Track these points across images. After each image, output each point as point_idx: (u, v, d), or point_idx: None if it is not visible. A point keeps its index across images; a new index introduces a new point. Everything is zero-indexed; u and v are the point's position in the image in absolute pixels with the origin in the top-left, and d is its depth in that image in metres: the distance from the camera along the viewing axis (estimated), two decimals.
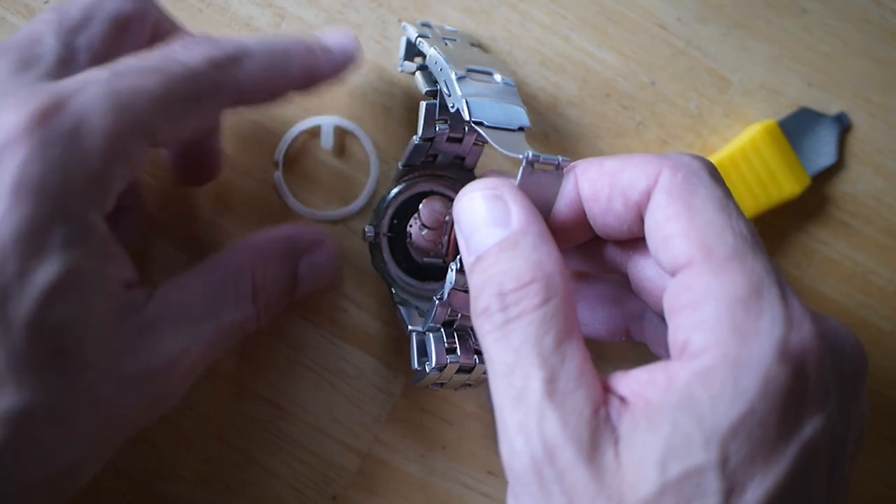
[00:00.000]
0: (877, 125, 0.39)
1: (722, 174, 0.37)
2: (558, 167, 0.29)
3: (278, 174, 0.38)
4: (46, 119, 0.27)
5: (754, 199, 0.37)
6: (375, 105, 0.38)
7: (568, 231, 0.30)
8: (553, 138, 0.38)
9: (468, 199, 0.29)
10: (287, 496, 0.37)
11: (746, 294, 0.25)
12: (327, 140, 0.38)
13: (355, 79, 0.38)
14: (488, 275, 0.27)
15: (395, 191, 0.36)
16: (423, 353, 0.33)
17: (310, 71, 0.33)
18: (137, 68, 0.29)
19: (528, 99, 0.38)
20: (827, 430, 0.25)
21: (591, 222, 0.29)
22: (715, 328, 0.25)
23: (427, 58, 0.34)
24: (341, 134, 0.38)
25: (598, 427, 0.25)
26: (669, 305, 0.26)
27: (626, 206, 0.28)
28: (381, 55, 0.38)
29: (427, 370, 0.32)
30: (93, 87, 0.28)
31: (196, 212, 0.37)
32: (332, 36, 0.34)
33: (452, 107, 0.32)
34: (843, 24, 0.39)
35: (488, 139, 0.30)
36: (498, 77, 0.33)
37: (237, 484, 0.37)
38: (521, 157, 0.28)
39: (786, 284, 0.26)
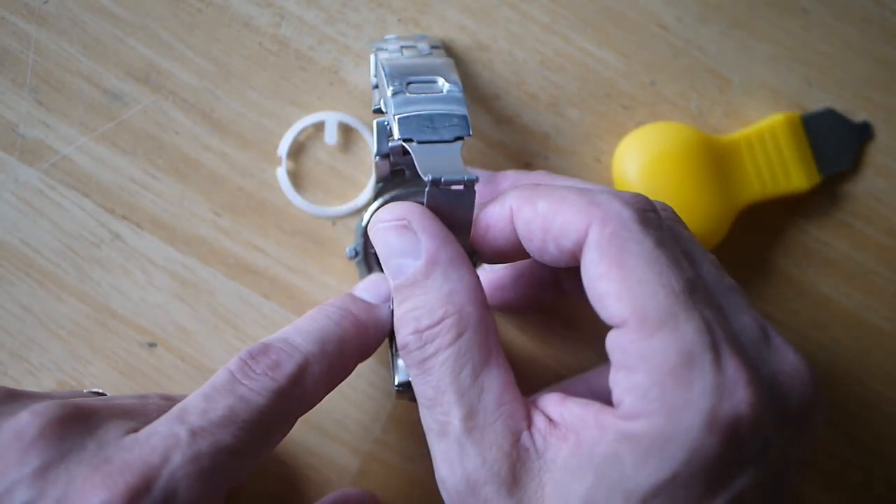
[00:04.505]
0: (877, 125, 0.39)
1: (734, 153, 0.37)
2: (467, 186, 0.29)
3: (281, 169, 0.37)
4: (136, 501, 0.26)
5: (761, 184, 0.37)
6: None
7: (506, 255, 0.30)
8: (553, 138, 0.38)
9: (378, 229, 0.29)
10: (287, 496, 0.37)
11: (677, 363, 0.25)
12: (331, 135, 0.38)
13: (355, 79, 0.38)
14: (404, 309, 0.28)
15: (373, 207, 0.36)
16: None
17: (364, 349, 0.32)
18: (211, 421, 0.28)
19: (528, 99, 0.38)
20: (760, 478, 0.26)
21: (529, 253, 0.29)
22: (645, 398, 0.25)
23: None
24: (344, 130, 0.38)
25: (519, 457, 0.26)
26: (609, 352, 0.27)
27: (559, 251, 0.28)
28: None
29: (394, 385, 0.32)
30: (176, 455, 0.27)
31: (196, 211, 0.37)
32: (372, 288, 0.33)
33: (386, 124, 0.31)
34: (843, 24, 0.39)
35: (413, 157, 0.30)
36: (442, 83, 0.32)
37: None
38: (425, 179, 0.28)
39: (721, 343, 0.26)
